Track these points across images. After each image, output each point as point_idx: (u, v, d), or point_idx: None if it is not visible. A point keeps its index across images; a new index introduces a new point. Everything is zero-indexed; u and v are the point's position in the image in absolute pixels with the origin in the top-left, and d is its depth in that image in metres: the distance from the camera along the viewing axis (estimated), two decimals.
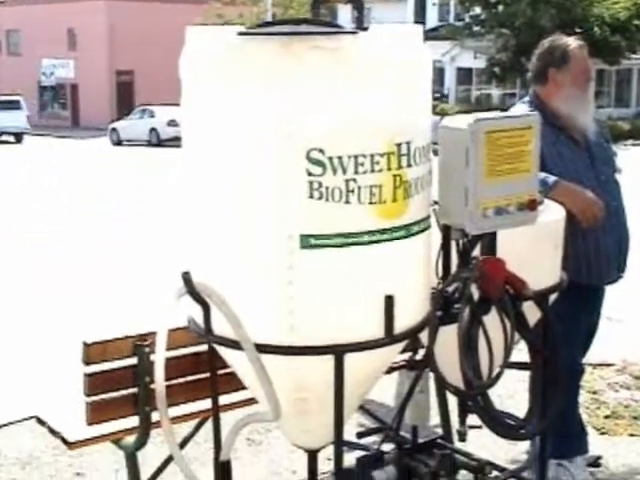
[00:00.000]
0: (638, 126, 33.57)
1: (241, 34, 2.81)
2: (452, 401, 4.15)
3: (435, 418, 4.30)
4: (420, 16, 4.63)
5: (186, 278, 2.93)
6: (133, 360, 3.42)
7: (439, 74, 43.02)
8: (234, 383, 3.27)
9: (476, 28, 34.87)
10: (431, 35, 36.17)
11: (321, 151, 2.73)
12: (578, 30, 30.32)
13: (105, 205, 15.62)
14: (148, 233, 12.17)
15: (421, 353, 3.64)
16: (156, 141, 33.27)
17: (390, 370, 3.64)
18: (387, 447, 3.66)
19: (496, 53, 34.19)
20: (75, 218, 14.02)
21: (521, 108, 4.18)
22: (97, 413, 3.42)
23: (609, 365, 5.99)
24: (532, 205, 3.21)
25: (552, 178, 3.83)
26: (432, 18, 38.51)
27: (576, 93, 4.01)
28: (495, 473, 3.82)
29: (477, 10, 35.21)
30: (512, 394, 4.56)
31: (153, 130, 33.89)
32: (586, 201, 3.84)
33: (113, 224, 13.28)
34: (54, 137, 39.68)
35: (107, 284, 9.03)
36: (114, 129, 36.54)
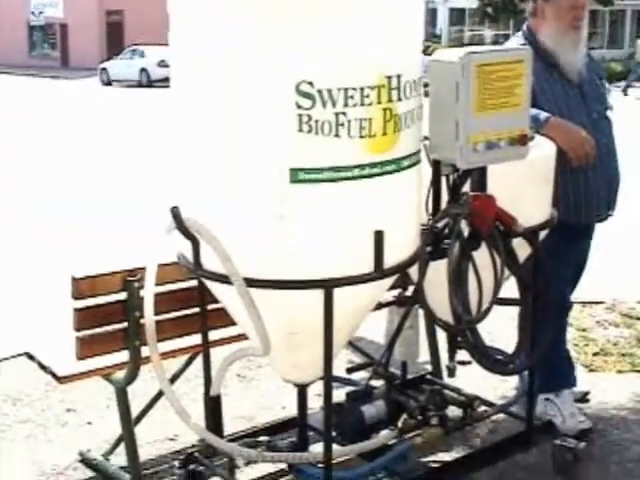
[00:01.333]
0: (631, 67, 33.32)
1: None
2: (441, 337, 4.17)
3: (425, 354, 4.33)
4: None
5: (175, 213, 2.92)
6: (123, 295, 3.42)
7: (432, 15, 42.64)
8: (224, 319, 3.28)
9: None
10: None
11: (310, 84, 2.70)
12: None
13: (93, 143, 15.52)
14: (136, 170, 12.13)
15: (411, 289, 3.65)
16: (146, 82, 32.96)
17: (379, 306, 3.65)
18: (377, 383, 3.69)
19: None
20: (62, 156, 13.94)
21: (515, 41, 4.14)
22: (87, 348, 3.43)
23: (598, 303, 6.02)
24: (523, 140, 3.20)
25: (544, 114, 3.81)
26: None
27: (562, 29, 3.96)
28: (484, 408, 3.86)
29: None
30: (502, 330, 4.58)
31: (143, 70, 33.53)
32: (578, 139, 3.81)
33: (99, 162, 13.21)
34: (43, 77, 39.25)
35: (96, 219, 9.02)
36: (104, 69, 36.18)
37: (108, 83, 35.21)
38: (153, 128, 15.31)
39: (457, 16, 42.15)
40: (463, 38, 40.61)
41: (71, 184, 11.43)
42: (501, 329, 4.59)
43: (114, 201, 10.05)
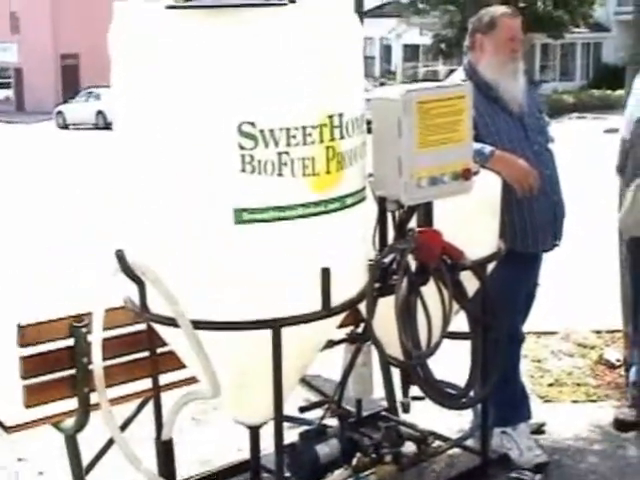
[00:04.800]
0: (582, 99, 33.89)
1: (169, 7, 2.77)
2: (396, 373, 4.16)
3: (379, 390, 4.32)
4: None
5: (120, 256, 2.90)
6: (70, 341, 3.38)
7: (386, 51, 43.08)
8: (175, 361, 3.25)
9: (421, 5, 34.84)
10: (377, 12, 36.35)
11: (252, 124, 2.71)
12: (522, 5, 30.49)
13: (46, 186, 15.41)
14: (88, 213, 12.04)
15: (362, 326, 3.65)
16: (103, 124, 32.85)
17: (331, 344, 3.65)
18: (333, 422, 3.68)
19: (442, 29, 34.21)
20: (16, 200, 13.81)
21: (458, 76, 4.19)
22: (34, 396, 3.37)
23: (553, 333, 6.05)
24: (466, 174, 3.23)
25: (488, 148, 3.84)
26: None
27: (501, 60, 4.01)
28: (439, 443, 3.85)
29: None
30: (462, 362, 4.58)
31: (100, 113, 33.45)
32: (521, 170, 3.85)
33: (50, 205, 13.12)
34: None
35: (43, 265, 8.92)
36: (60, 112, 36.09)
37: (64, 126, 35.10)
38: (109, 171, 15.23)
39: (411, 52, 42.55)
40: (418, 74, 40.97)
41: (23, 228, 11.32)
42: (461, 361, 4.59)
43: (64, 245, 9.96)
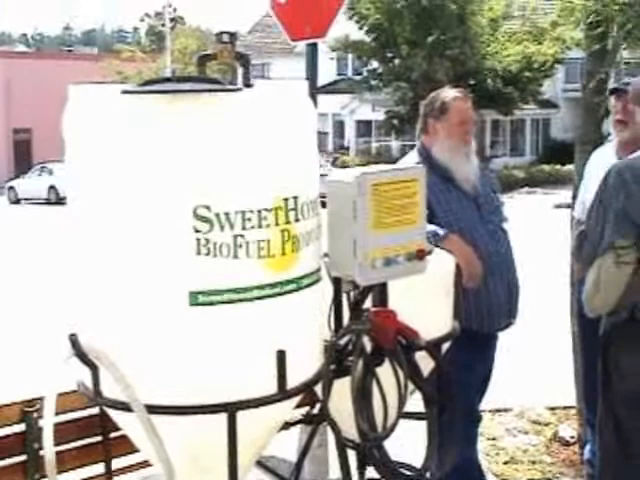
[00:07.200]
0: (532, 174, 34.48)
1: (125, 92, 2.79)
2: (352, 454, 4.13)
3: (336, 472, 4.27)
4: (311, 71, 4.72)
5: (73, 340, 2.87)
6: (21, 427, 3.32)
7: (339, 127, 43.61)
8: (128, 445, 3.20)
9: (374, 81, 35.48)
10: (330, 89, 36.84)
11: (207, 208, 2.72)
12: (472, 82, 31.20)
13: None
14: (37, 294, 11.89)
15: (318, 407, 3.62)
16: (55, 199, 32.75)
17: (287, 425, 3.62)
18: None
19: (394, 105, 34.81)
20: None
21: (411, 157, 4.26)
22: None
23: (507, 410, 6.06)
24: (420, 255, 3.25)
25: (442, 230, 3.89)
26: (331, 72, 39.08)
27: (454, 144, 4.09)
28: None
29: (374, 64, 35.89)
30: (412, 443, 4.55)
31: (52, 188, 33.37)
32: (470, 257, 3.89)
33: (3, 284, 12.93)
34: None
35: None
36: (12, 187, 35.95)
37: (16, 201, 34.91)
38: (61, 247, 15.09)
39: (364, 128, 43.12)
40: (371, 149, 41.49)
41: None
42: (418, 440, 4.57)
43: (15, 327, 9.80)
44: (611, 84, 5.41)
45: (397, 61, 34.38)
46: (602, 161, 4.44)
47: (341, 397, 3.17)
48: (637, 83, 3.95)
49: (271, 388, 2.88)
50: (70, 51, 71.11)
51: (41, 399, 3.01)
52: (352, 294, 3.28)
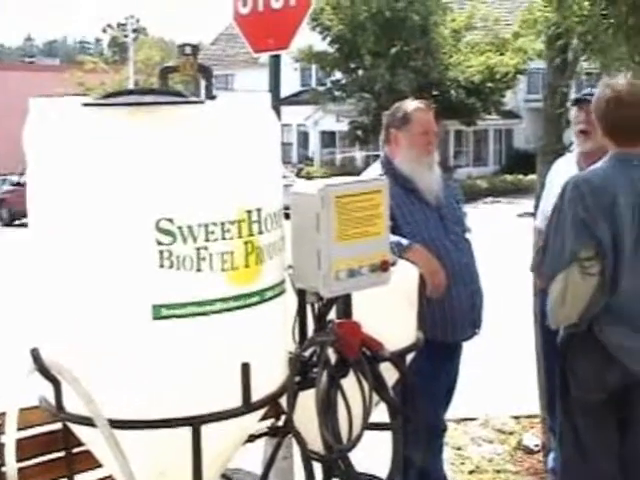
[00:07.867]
0: (496, 184, 34.71)
1: (86, 105, 2.77)
2: (318, 466, 4.12)
3: None
4: (274, 82, 4.72)
5: (35, 355, 2.85)
6: None
7: (303, 138, 43.65)
8: (91, 461, 3.17)
9: (338, 92, 35.58)
10: (294, 100, 36.90)
11: (170, 220, 2.71)
12: (435, 93, 31.40)
13: None
14: None
15: (283, 419, 3.62)
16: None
17: (252, 438, 3.61)
18: None
19: (358, 116, 34.95)
20: None
21: (375, 169, 4.27)
22: None
23: (472, 419, 6.09)
24: (384, 266, 3.26)
25: (406, 241, 3.91)
26: (294, 83, 39.17)
27: (415, 154, 4.12)
28: None
29: (338, 75, 35.99)
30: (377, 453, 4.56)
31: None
32: (432, 270, 3.91)
33: None
34: None
35: None
36: None
37: None
38: (22, 260, 14.93)
39: (328, 139, 43.19)
40: (335, 160, 41.57)
41: None
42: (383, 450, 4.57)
43: None
44: (572, 95, 5.46)
45: (360, 72, 34.53)
46: (563, 171, 4.48)
47: (306, 409, 3.17)
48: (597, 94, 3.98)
49: (236, 401, 2.87)
50: (32, 62, 70.62)
51: (2, 414, 2.97)
52: (316, 306, 3.27)
